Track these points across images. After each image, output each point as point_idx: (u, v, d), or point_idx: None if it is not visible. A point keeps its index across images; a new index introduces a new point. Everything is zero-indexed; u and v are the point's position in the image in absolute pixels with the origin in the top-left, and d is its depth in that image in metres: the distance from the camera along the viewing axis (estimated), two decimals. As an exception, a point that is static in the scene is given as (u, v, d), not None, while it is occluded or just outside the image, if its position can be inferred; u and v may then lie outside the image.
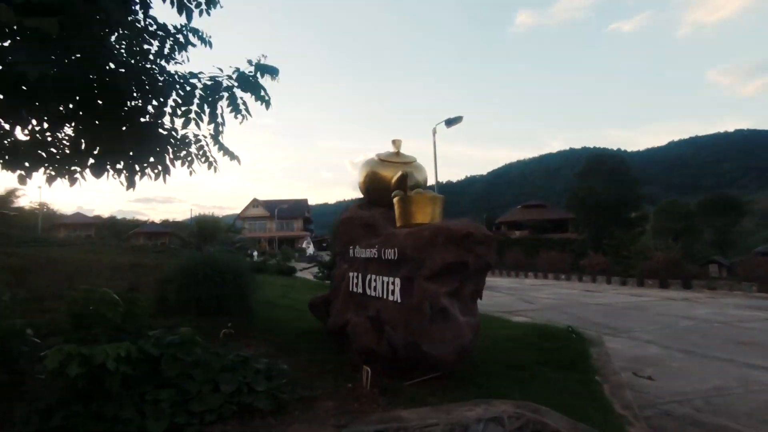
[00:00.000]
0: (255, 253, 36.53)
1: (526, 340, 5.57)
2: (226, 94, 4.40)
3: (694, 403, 4.33)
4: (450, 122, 10.33)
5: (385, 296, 3.86)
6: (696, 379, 5.43)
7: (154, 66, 4.67)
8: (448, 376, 3.96)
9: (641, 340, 8.00)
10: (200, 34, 4.99)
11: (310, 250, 46.28)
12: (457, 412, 3.12)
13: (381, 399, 3.46)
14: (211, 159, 4.85)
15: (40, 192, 63.15)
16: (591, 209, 42.11)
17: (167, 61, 4.90)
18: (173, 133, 4.70)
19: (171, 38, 4.86)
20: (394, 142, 5.01)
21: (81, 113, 4.23)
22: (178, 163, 4.75)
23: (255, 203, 63.75)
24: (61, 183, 4.35)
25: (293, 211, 64.50)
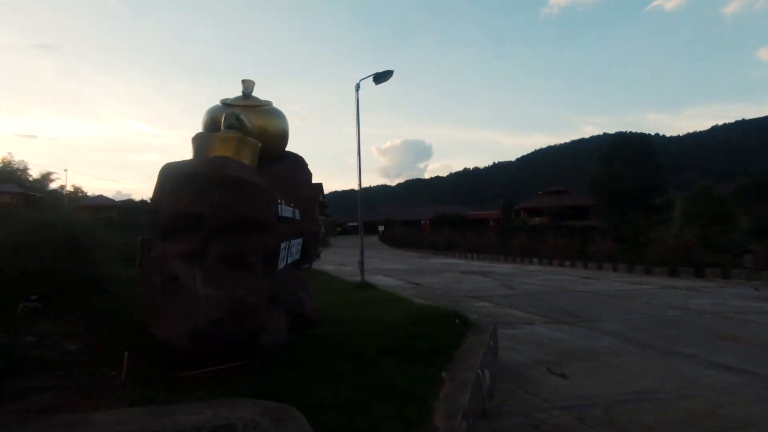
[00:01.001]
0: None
1: (401, 325, 4.68)
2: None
3: (589, 411, 3.37)
4: (378, 78, 9.21)
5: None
6: (626, 378, 4.42)
7: None
8: (260, 365, 3.17)
9: (601, 331, 6.93)
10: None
11: (322, 233, 45.89)
12: (179, 415, 2.33)
13: (127, 392, 2.70)
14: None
15: (66, 175, 65.28)
16: (612, 195, 39.74)
17: None
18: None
19: None
20: (243, 82, 4.14)
21: None
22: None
23: (270, 188, 63.74)
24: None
25: (308, 195, 64.15)
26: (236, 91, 4.25)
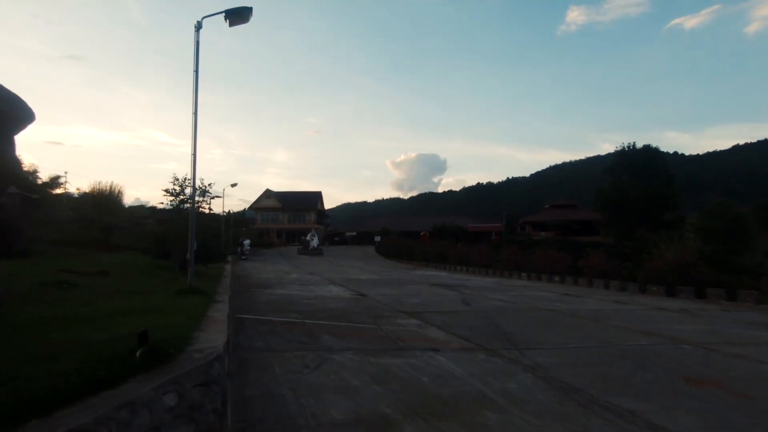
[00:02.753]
0: (246, 243, 35.03)
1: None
2: None
3: None
4: (232, 16, 7.40)
5: None
6: None
7: None
8: None
9: (524, 365, 5.05)
10: None
11: (314, 242, 44.35)
12: None
13: None
14: None
15: (65, 178, 65.47)
16: (618, 209, 37.37)
17: None
18: None
19: None
20: None
21: None
22: None
23: (267, 194, 62.79)
24: None
25: (305, 203, 62.98)
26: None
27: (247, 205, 65.50)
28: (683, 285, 14.36)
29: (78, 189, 71.15)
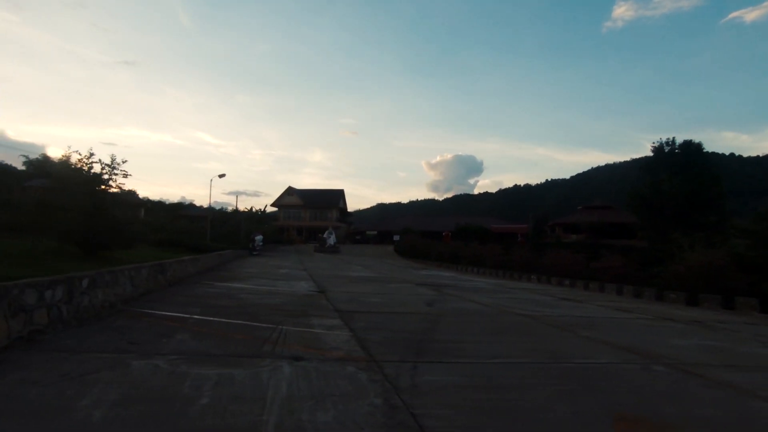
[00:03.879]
0: (258, 238, 34.70)
1: None
2: None
3: None
4: None
5: None
6: None
7: None
8: None
9: (403, 381, 3.70)
10: None
11: (331, 240, 43.64)
12: None
13: None
14: None
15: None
16: (655, 210, 34.19)
17: None
18: None
19: None
20: None
21: None
22: None
23: (290, 191, 62.78)
24: None
25: (327, 200, 62.40)
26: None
27: (275, 207, 65.93)
28: (709, 293, 12.21)
29: (119, 186, 74.95)
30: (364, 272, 20.34)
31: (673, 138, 33.12)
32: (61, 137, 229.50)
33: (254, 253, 33.85)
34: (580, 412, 3.35)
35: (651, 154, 33.21)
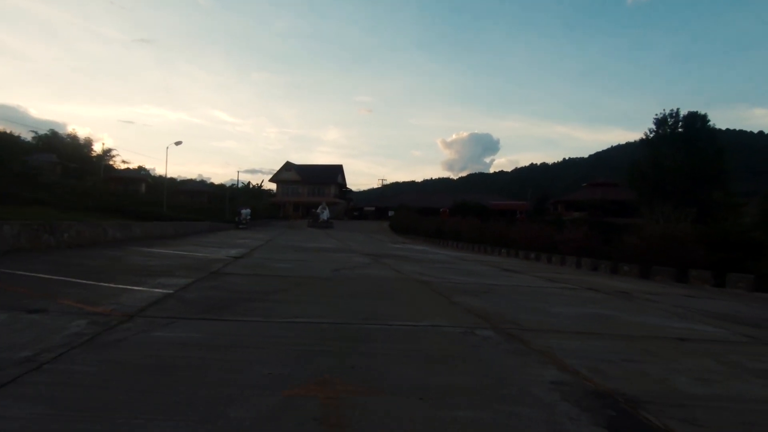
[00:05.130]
0: (245, 212, 34.46)
1: None
2: None
3: None
4: None
5: None
6: None
7: None
8: None
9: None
10: None
11: (324, 215, 43.24)
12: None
13: None
14: None
15: (101, 146, 69.53)
16: (655, 186, 32.57)
17: None
18: None
19: None
20: None
21: None
22: None
23: (288, 167, 62.14)
24: None
25: (325, 176, 61.70)
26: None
27: (273, 183, 65.62)
28: (664, 266, 11.28)
29: (124, 161, 76.09)
30: (330, 244, 19.83)
31: (677, 110, 31.02)
32: (80, 116, 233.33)
33: (240, 226, 33.70)
34: (278, 374, 2.72)
35: (653, 127, 31.41)
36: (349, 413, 2.25)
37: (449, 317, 4.82)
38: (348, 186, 70.47)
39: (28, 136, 73.61)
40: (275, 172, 61.47)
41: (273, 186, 62.94)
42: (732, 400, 2.86)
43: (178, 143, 32.37)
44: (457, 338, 3.93)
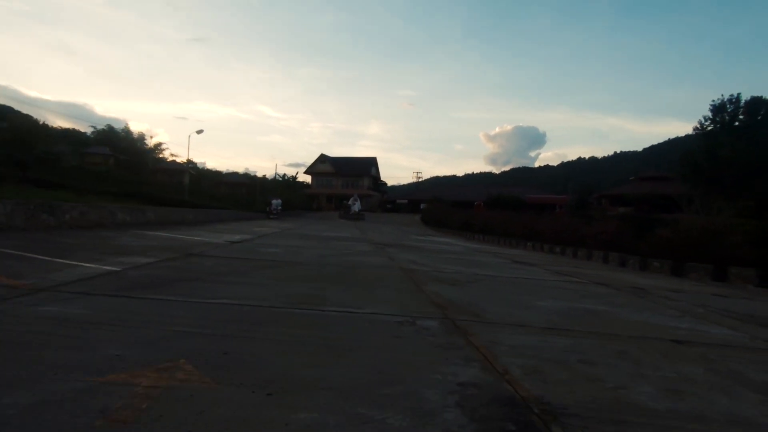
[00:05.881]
0: (276, 202, 34.90)
1: None
2: None
3: None
4: None
5: None
6: None
7: None
8: None
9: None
10: None
11: (356, 207, 43.16)
12: None
13: None
14: None
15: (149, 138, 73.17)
16: (711, 179, 29.85)
17: None
18: None
19: None
20: None
21: None
22: None
23: (322, 159, 62.51)
24: None
25: (359, 168, 61.52)
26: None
27: (308, 174, 66.42)
28: (700, 262, 10.01)
29: (172, 155, 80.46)
30: (348, 233, 19.53)
31: (738, 95, 27.89)
32: (139, 112, 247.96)
33: (271, 216, 34.20)
34: (124, 355, 2.32)
35: (709, 114, 28.47)
36: (157, 407, 1.81)
37: (402, 305, 4.27)
38: (384, 179, 70.20)
39: (88, 131, 79.43)
40: (310, 164, 62.25)
41: (308, 178, 63.77)
42: (698, 419, 2.17)
43: (199, 132, 33.46)
44: (388, 327, 3.39)
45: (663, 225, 12.17)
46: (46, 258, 5.52)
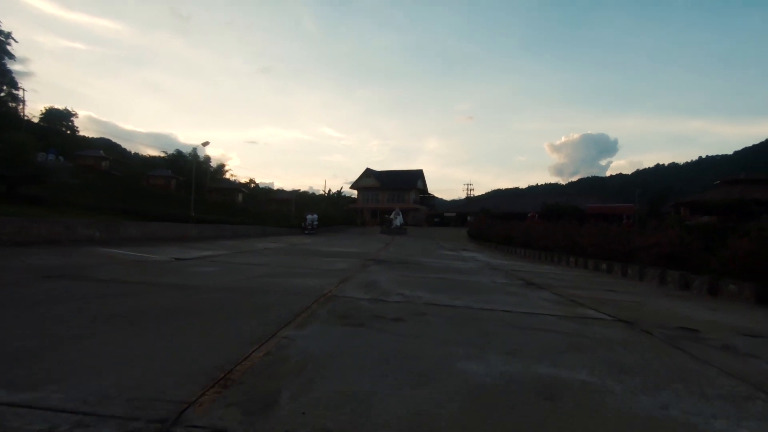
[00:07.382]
0: (311, 218, 33.96)
1: None
2: None
3: None
4: None
5: None
6: None
7: None
8: None
9: None
10: None
11: (398, 221, 41.24)
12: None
13: None
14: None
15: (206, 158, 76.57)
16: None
17: None
18: None
19: None
20: None
21: None
22: None
23: (368, 173, 61.10)
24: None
25: (404, 182, 59.35)
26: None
27: (354, 189, 65.75)
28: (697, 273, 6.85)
29: (233, 175, 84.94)
30: (362, 249, 17.66)
31: None
32: (215, 138, 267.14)
33: (306, 232, 33.32)
34: None
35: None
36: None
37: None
38: (437, 194, 67.96)
39: (161, 154, 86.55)
40: (356, 179, 61.50)
41: (354, 193, 62.97)
42: None
43: (205, 144, 33.52)
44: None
45: (742, 234, 8.90)
46: None
